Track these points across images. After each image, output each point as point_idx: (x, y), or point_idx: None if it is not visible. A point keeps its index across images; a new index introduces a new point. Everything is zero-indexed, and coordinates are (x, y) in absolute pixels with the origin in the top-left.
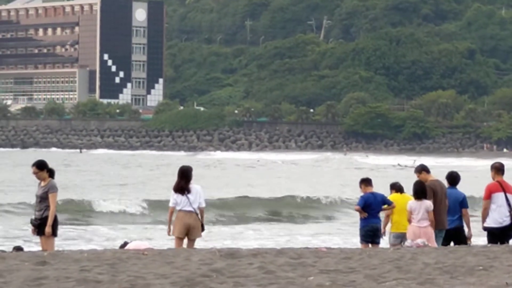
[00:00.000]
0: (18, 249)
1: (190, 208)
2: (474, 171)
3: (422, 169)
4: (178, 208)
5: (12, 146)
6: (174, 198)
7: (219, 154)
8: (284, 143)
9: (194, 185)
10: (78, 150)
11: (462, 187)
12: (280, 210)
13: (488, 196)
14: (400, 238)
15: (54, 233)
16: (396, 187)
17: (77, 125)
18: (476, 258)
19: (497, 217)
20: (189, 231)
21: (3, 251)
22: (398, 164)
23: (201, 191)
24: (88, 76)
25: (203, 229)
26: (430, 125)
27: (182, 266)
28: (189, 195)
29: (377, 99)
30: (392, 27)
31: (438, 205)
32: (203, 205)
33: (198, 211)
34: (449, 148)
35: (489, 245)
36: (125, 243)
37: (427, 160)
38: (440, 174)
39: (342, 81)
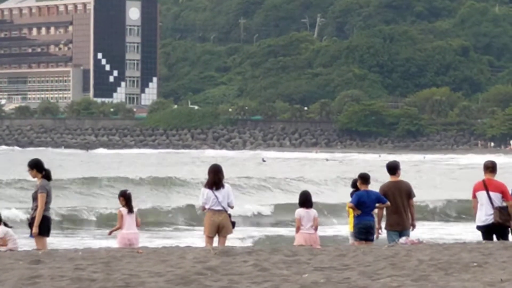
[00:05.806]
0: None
1: (219, 207)
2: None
3: (387, 168)
4: (207, 207)
5: (7, 145)
6: (205, 197)
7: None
8: (278, 141)
9: (224, 183)
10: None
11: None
12: None
13: (473, 195)
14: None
15: (42, 233)
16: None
17: (71, 124)
18: (470, 255)
19: (481, 216)
20: (220, 229)
21: None
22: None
23: (230, 190)
24: (82, 75)
25: (233, 226)
26: (424, 123)
27: (176, 264)
28: (217, 194)
29: (371, 96)
30: (386, 25)
31: (394, 207)
32: (233, 204)
33: (227, 209)
34: (443, 145)
35: (484, 241)
36: (125, 193)
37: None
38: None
39: (336, 79)
